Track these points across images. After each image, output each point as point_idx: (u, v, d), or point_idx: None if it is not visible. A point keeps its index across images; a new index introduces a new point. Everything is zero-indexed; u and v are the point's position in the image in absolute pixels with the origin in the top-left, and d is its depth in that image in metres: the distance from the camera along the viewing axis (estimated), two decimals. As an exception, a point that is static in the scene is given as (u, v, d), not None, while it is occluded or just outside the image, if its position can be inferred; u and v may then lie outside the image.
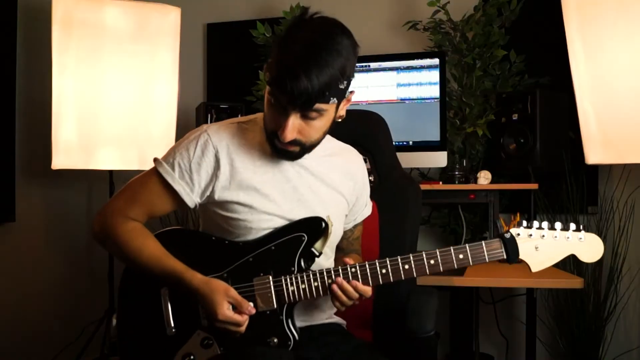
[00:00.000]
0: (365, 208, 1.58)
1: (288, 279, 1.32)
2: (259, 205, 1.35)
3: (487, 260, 1.29)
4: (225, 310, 1.27)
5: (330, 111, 1.28)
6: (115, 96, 2.58)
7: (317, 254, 1.37)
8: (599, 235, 2.46)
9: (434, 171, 2.81)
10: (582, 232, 1.29)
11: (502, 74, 2.68)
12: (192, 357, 1.32)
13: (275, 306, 1.31)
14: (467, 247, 1.29)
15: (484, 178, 2.41)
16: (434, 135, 2.50)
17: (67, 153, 2.55)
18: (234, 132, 1.40)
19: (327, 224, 1.37)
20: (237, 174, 1.36)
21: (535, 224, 1.29)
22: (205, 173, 1.36)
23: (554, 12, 2.28)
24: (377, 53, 2.66)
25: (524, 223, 1.30)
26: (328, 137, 1.47)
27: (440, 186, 2.45)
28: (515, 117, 2.44)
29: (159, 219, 1.68)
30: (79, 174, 3.05)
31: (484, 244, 1.29)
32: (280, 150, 1.32)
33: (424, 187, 2.35)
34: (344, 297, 1.30)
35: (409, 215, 1.75)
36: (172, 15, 2.71)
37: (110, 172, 2.74)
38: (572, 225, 1.30)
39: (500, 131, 2.49)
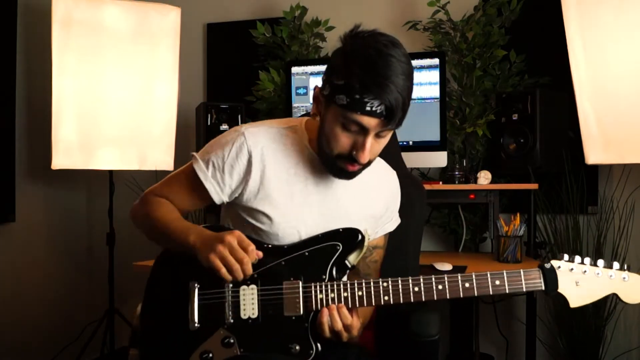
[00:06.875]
0: (390, 222, 1.52)
1: (318, 287, 1.29)
2: (281, 219, 1.34)
3: (524, 289, 1.25)
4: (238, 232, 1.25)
5: None
6: (115, 96, 2.58)
7: (350, 266, 1.35)
8: (599, 235, 2.50)
9: (434, 171, 2.81)
10: (626, 271, 1.24)
11: (502, 74, 2.68)
12: (210, 354, 1.30)
13: (301, 312, 1.29)
14: (505, 274, 1.25)
15: (484, 178, 2.41)
16: (434, 135, 2.50)
17: (67, 153, 2.55)
18: (272, 136, 1.38)
19: (363, 237, 1.35)
20: (267, 183, 1.35)
21: (577, 258, 1.24)
22: (237, 175, 1.35)
23: (554, 12, 2.29)
24: (377, 53, 2.65)
25: (565, 257, 1.25)
26: None
27: (440, 186, 2.45)
28: (515, 117, 2.44)
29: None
30: (79, 174, 3.06)
31: (522, 273, 1.25)
32: (342, 171, 1.30)
33: (424, 187, 2.35)
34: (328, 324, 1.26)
35: (413, 216, 1.73)
36: (172, 15, 2.71)
37: (110, 172, 2.74)
38: (616, 264, 1.24)
39: (500, 131, 2.49)
